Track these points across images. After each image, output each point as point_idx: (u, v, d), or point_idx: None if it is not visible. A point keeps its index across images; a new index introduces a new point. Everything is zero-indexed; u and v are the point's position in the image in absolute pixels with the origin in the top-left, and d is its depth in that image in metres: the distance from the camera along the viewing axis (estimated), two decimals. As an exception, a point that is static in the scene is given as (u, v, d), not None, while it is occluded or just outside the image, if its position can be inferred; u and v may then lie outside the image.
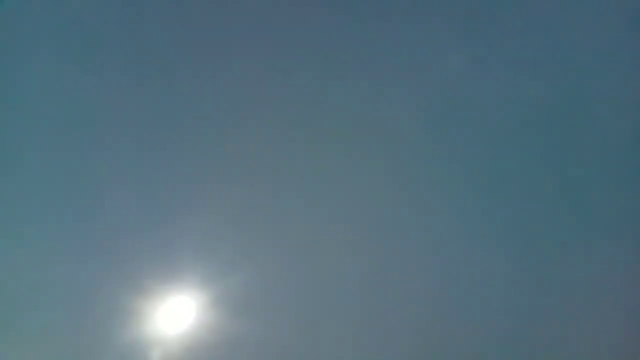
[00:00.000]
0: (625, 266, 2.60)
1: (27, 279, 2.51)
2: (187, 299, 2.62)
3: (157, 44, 2.70)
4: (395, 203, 2.75)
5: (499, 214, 2.71)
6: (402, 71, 2.80)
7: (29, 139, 2.63)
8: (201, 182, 2.70)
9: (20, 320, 2.50)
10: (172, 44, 2.70)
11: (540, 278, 2.65)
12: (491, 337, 2.65)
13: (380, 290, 2.64)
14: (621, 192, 2.61)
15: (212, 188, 2.67)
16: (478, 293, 2.66)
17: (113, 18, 2.76)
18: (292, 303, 2.59)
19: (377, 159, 2.81)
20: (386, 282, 2.66)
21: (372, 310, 2.59)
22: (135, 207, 2.64)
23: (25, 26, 2.71)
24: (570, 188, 2.70)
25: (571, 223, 2.67)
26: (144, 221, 2.65)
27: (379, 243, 2.69)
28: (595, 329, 2.61)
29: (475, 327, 2.63)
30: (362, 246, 2.66)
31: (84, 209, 2.60)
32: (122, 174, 2.66)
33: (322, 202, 2.69)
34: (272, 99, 2.78)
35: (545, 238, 2.70)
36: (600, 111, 2.71)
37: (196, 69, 2.72)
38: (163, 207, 2.67)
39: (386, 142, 2.80)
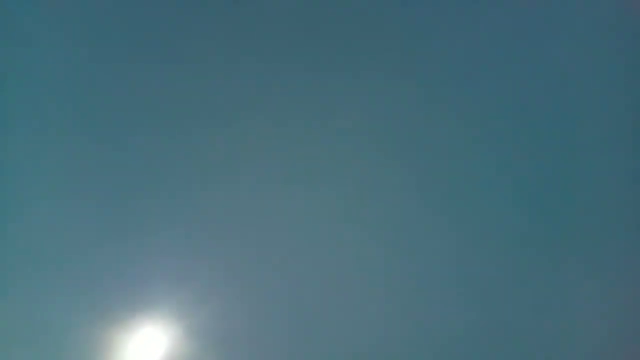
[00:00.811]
0: (626, 267, 2.60)
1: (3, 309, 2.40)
2: (161, 330, 2.54)
3: (153, 45, 2.66)
4: (391, 206, 2.73)
5: (499, 213, 2.70)
6: (402, 70, 2.78)
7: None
8: (177, 202, 2.61)
9: None
10: (167, 44, 2.66)
11: (540, 278, 2.65)
12: (491, 336, 2.64)
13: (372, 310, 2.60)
14: (621, 193, 2.62)
15: (189, 209, 2.58)
16: (478, 293, 2.64)
17: (112, 15, 2.71)
18: (275, 333, 2.52)
19: (373, 160, 2.78)
20: (380, 297, 2.63)
21: (362, 333, 2.54)
22: (107, 234, 2.52)
23: (25, 21, 2.66)
24: (570, 188, 2.70)
25: (571, 223, 2.67)
26: (115, 247, 2.53)
27: (375, 256, 2.66)
28: (595, 328, 2.61)
29: (475, 327, 2.62)
30: (351, 271, 2.60)
31: (54, 235, 2.49)
32: (94, 197, 2.56)
33: (306, 225, 2.62)
34: (265, 100, 2.75)
35: (545, 238, 2.69)
36: (600, 111, 2.71)
37: (188, 72, 2.67)
38: (136, 229, 2.57)
39: (385, 143, 2.78)
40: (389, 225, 2.69)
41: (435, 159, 2.74)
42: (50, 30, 2.63)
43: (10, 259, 2.42)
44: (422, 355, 2.54)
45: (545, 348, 2.56)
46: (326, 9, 2.77)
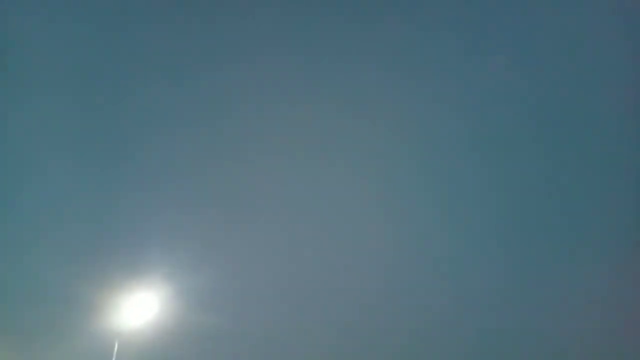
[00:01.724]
0: (626, 267, 2.64)
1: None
2: (152, 292, 2.67)
3: (156, 46, 2.66)
4: (398, 204, 2.72)
5: (501, 213, 2.70)
6: (404, 70, 2.79)
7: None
8: (172, 175, 2.68)
9: None
10: (172, 46, 2.69)
11: (540, 278, 2.65)
12: (491, 336, 2.63)
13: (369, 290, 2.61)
14: (621, 194, 2.66)
15: (183, 181, 2.69)
16: (478, 294, 2.63)
17: (112, 18, 2.65)
18: (265, 296, 2.60)
19: (376, 157, 2.80)
20: (378, 281, 2.62)
21: (336, 301, 2.61)
22: (102, 204, 2.61)
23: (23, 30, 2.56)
24: (570, 188, 2.72)
25: (571, 223, 2.69)
26: (112, 216, 2.63)
27: (370, 239, 2.65)
28: (595, 328, 2.62)
29: (475, 328, 2.60)
30: (335, 238, 2.64)
31: (49, 206, 2.58)
32: (95, 168, 2.64)
33: (294, 194, 2.70)
34: (267, 99, 2.77)
35: (545, 237, 2.70)
36: (599, 112, 2.75)
37: (191, 71, 2.70)
38: (132, 201, 2.66)
39: (384, 144, 2.79)
40: (395, 220, 2.68)
41: (445, 158, 2.74)
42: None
43: (11, 219, 2.48)
44: (430, 349, 2.50)
45: (546, 346, 2.55)
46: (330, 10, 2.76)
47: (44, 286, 2.49)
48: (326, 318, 2.60)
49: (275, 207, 2.73)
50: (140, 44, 2.72)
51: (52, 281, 2.51)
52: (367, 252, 2.69)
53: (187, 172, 2.76)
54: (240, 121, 2.74)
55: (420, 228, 2.75)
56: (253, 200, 2.76)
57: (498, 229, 2.74)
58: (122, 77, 2.70)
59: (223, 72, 2.80)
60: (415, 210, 2.78)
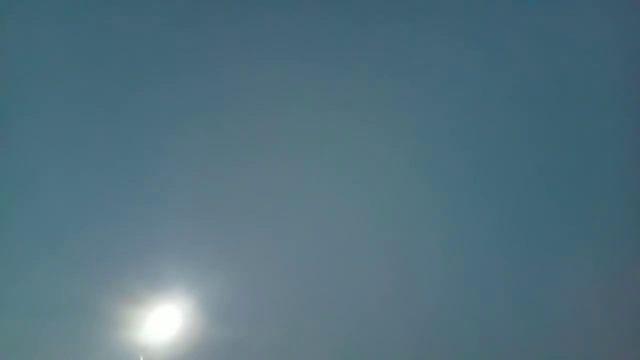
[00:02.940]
0: (625, 267, 2.61)
1: (19, 288, 2.47)
2: (172, 304, 2.62)
3: (159, 44, 2.67)
4: (396, 204, 2.74)
5: (500, 213, 2.70)
6: (403, 70, 2.78)
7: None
8: (187, 187, 2.68)
9: (11, 327, 2.46)
10: (173, 44, 2.67)
11: (540, 278, 2.65)
12: (491, 336, 2.64)
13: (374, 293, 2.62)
14: (621, 195, 2.63)
15: (199, 194, 2.65)
16: (479, 294, 2.65)
17: (114, 17, 2.71)
18: (278, 305, 2.56)
19: (374, 158, 2.79)
20: (383, 283, 2.64)
21: (358, 310, 2.57)
22: (121, 216, 2.59)
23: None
24: (569, 189, 2.71)
25: (571, 224, 2.68)
26: (130, 229, 2.61)
27: (371, 242, 2.67)
28: (595, 328, 2.62)
29: (476, 328, 2.62)
30: (350, 247, 2.64)
31: (71, 219, 2.56)
32: (109, 180, 2.61)
33: (310, 203, 2.67)
34: (271, 99, 2.76)
35: (545, 238, 2.70)
36: (599, 111, 2.72)
37: (194, 70, 2.69)
38: (150, 212, 2.63)
39: (385, 144, 2.78)
40: (389, 218, 2.71)
41: (435, 160, 2.75)
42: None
43: (30, 232, 2.49)
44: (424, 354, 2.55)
45: (543, 346, 2.57)
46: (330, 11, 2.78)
47: (67, 301, 2.54)
48: (348, 330, 2.63)
49: (300, 218, 2.76)
50: (142, 46, 2.74)
51: (76, 296, 2.55)
52: (387, 261, 2.72)
53: (209, 183, 2.77)
54: (251, 126, 2.77)
55: (429, 229, 2.79)
56: (276, 212, 2.77)
57: (499, 229, 2.76)
58: (128, 77, 2.74)
59: (223, 74, 2.79)
60: (421, 211, 2.81)
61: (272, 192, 2.75)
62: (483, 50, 2.82)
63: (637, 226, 2.62)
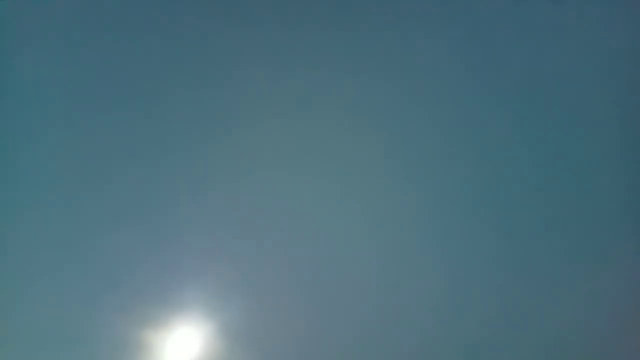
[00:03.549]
0: (625, 268, 2.60)
1: (32, 310, 2.53)
2: (190, 329, 2.60)
3: (156, 46, 2.73)
4: (394, 206, 2.77)
5: (499, 216, 2.72)
6: (402, 72, 2.82)
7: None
8: (201, 203, 2.68)
9: (25, 353, 2.53)
10: (171, 48, 2.74)
11: (541, 278, 2.66)
12: (492, 336, 2.67)
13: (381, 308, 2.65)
14: (621, 196, 2.61)
15: (213, 210, 2.66)
16: (479, 295, 2.67)
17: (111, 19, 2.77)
18: (297, 329, 2.60)
19: (377, 160, 2.83)
20: (387, 291, 2.67)
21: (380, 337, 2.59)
22: (133, 240, 2.47)
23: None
24: (569, 189, 2.71)
25: (572, 224, 2.68)
26: (146, 253, 2.54)
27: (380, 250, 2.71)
28: (595, 328, 2.62)
29: (477, 328, 2.65)
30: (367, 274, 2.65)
31: (85, 241, 2.59)
32: (121, 204, 2.64)
33: (324, 221, 2.68)
34: (273, 100, 2.82)
35: (545, 241, 2.70)
36: (599, 111, 2.71)
37: (194, 73, 2.74)
38: (164, 235, 2.63)
39: (385, 144, 2.83)
40: (387, 222, 2.74)
41: (437, 158, 2.77)
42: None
43: (32, 254, 2.50)
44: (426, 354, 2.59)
45: (544, 347, 2.58)
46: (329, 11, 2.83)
47: (85, 327, 2.59)
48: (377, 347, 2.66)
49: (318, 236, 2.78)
50: (148, 53, 2.75)
51: (94, 321, 2.58)
52: (401, 270, 2.73)
53: (224, 197, 2.77)
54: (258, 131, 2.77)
55: (424, 228, 2.81)
56: (294, 230, 2.80)
57: (498, 232, 2.77)
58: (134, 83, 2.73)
59: (225, 78, 2.78)
60: (421, 216, 2.82)
61: (288, 207, 2.72)
62: (481, 52, 2.83)
63: (637, 226, 2.60)
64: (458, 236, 2.72)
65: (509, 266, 2.68)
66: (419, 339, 2.60)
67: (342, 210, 2.75)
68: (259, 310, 2.61)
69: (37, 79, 2.65)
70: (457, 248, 2.70)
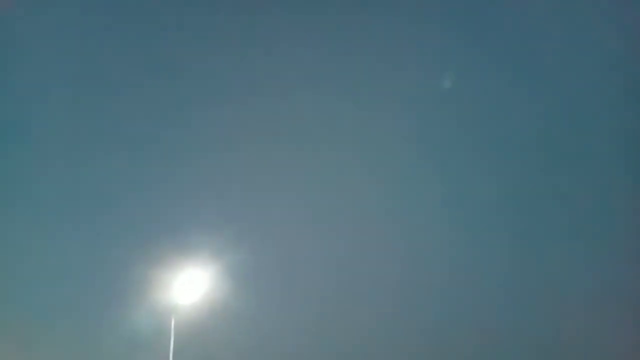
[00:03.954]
0: (626, 268, 2.62)
1: (48, 255, 2.73)
2: (200, 269, 2.83)
3: (160, 45, 2.82)
4: (403, 205, 2.83)
5: (501, 214, 2.74)
6: (400, 73, 2.86)
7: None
8: (213, 158, 2.87)
9: (42, 292, 2.68)
10: (174, 46, 2.82)
11: (541, 279, 2.68)
12: (492, 336, 2.69)
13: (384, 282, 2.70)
14: (621, 197, 2.62)
15: (225, 164, 2.81)
16: (480, 295, 2.70)
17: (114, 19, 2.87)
18: (301, 276, 2.72)
19: (380, 159, 2.88)
20: (391, 277, 2.72)
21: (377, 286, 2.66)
22: (150, 185, 2.83)
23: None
24: (570, 190, 2.72)
25: (572, 224, 2.70)
26: (160, 197, 2.81)
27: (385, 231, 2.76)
28: (595, 328, 2.64)
29: (478, 328, 2.67)
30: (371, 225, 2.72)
31: (100, 189, 2.80)
32: (138, 153, 2.84)
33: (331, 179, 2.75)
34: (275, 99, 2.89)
35: (547, 238, 2.72)
36: (599, 111, 2.72)
37: (196, 70, 2.85)
38: (178, 183, 2.83)
39: (388, 144, 2.87)
40: (394, 223, 2.80)
41: (438, 161, 2.82)
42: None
43: (61, 206, 2.68)
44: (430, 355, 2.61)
45: (544, 346, 2.59)
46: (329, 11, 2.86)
47: (102, 267, 2.69)
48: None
49: (321, 188, 2.90)
50: (149, 49, 2.89)
51: (109, 262, 2.71)
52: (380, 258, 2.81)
53: (233, 150, 2.97)
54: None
55: (427, 227, 2.86)
56: (301, 180, 2.94)
57: (506, 228, 2.81)
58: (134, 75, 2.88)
59: (227, 71, 2.93)
60: (432, 212, 2.89)
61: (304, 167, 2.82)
62: (491, 50, 2.87)
63: (637, 226, 2.62)
64: (463, 236, 2.75)
65: (517, 266, 2.69)
66: (433, 329, 2.64)
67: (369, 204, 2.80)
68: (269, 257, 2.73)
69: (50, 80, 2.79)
70: (464, 248, 2.73)
